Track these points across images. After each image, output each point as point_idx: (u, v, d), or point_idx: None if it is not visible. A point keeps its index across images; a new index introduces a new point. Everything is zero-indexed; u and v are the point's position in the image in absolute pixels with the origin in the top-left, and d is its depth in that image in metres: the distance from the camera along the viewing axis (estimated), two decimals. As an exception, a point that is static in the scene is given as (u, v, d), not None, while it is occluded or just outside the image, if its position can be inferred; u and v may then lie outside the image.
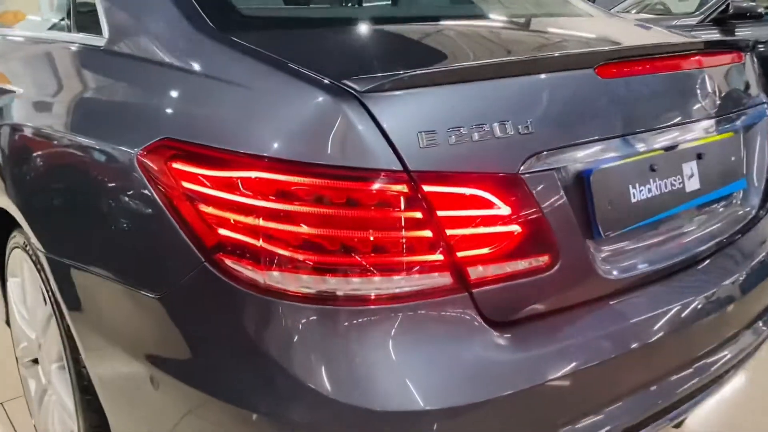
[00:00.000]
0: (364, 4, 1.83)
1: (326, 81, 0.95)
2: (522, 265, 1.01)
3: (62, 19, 1.57)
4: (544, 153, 1.02)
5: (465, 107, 0.98)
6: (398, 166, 0.93)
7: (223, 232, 0.96)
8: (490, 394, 0.95)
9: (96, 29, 1.36)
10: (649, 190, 1.19)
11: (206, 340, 0.99)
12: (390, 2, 1.87)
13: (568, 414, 1.03)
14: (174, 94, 1.11)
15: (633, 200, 1.16)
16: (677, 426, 1.50)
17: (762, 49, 5.23)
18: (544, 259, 1.02)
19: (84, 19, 1.48)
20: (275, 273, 0.93)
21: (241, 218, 0.94)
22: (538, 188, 1.01)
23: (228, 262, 0.95)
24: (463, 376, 0.95)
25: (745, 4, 5.14)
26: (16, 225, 1.49)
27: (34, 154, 1.32)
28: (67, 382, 1.44)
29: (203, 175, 0.98)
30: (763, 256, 1.39)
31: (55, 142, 1.27)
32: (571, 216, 1.05)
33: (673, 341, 1.16)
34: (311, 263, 0.92)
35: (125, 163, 1.08)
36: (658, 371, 1.15)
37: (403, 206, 0.93)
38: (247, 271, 0.94)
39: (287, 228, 0.92)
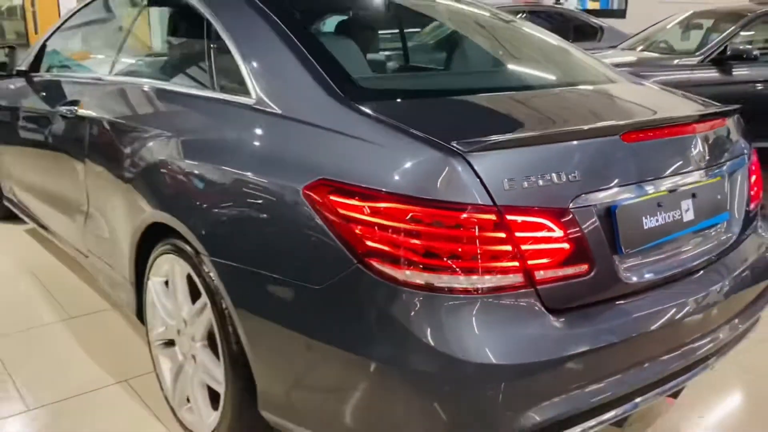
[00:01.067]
0: (450, 76, 2.29)
1: (441, 143, 1.42)
2: (570, 271, 1.47)
3: (188, 76, 2.08)
4: (585, 194, 1.49)
5: (534, 162, 1.45)
6: (490, 202, 1.39)
7: (369, 243, 1.42)
8: (543, 357, 1.41)
9: (243, 91, 1.84)
10: (657, 220, 1.66)
11: (354, 316, 1.45)
12: (466, 72, 2.33)
13: (596, 375, 1.49)
14: (323, 146, 1.58)
15: (645, 227, 1.63)
16: (674, 396, 1.96)
17: (760, 89, 5.73)
18: (584, 267, 1.49)
19: (225, 80, 1.96)
20: (407, 271, 1.40)
21: (382, 234, 1.41)
22: (581, 218, 1.48)
23: (374, 263, 1.42)
24: (528, 344, 1.41)
25: (741, 47, 5.62)
26: (168, 236, 1.97)
27: (205, 185, 1.79)
28: (212, 357, 1.90)
29: (353, 205, 1.45)
30: (741, 271, 1.86)
31: (222, 175, 1.74)
32: (603, 237, 1.52)
33: (672, 329, 1.62)
34: (432, 266, 1.39)
35: (290, 195, 1.55)
36: (660, 351, 1.61)
37: (492, 229, 1.40)
38: (387, 270, 1.41)
39: (414, 241, 1.39)
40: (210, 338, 1.91)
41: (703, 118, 1.79)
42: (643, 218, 1.63)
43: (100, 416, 2.20)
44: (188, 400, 2.08)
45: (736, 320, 1.82)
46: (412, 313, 1.39)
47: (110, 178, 2.30)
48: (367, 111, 1.60)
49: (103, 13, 3.08)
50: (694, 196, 1.76)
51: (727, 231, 1.90)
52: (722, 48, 5.66)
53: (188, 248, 1.86)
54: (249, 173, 1.68)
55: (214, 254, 1.74)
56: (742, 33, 5.86)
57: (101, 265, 2.56)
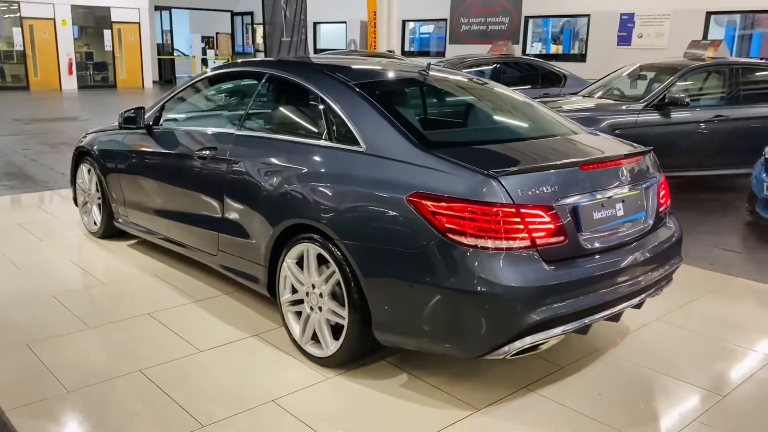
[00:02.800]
0: (471, 130, 3.60)
1: (483, 170, 2.68)
2: (554, 240, 2.73)
3: (308, 132, 3.35)
4: (562, 198, 2.77)
5: (534, 180, 2.73)
6: (511, 202, 2.65)
7: (447, 225, 2.67)
8: (541, 283, 2.65)
9: (352, 141, 3.10)
10: (601, 214, 2.93)
11: (438, 264, 2.68)
12: (481, 127, 3.65)
13: (567, 296, 2.73)
14: (414, 173, 2.83)
15: (595, 218, 2.90)
16: (615, 320, 3.23)
17: (692, 128, 7.12)
18: (561, 238, 2.75)
19: (339, 135, 3.21)
20: (468, 239, 2.64)
21: (453, 220, 2.65)
22: (560, 211, 2.75)
23: (449, 235, 2.65)
24: (534, 277, 2.66)
25: (677, 95, 7.03)
26: (299, 233, 3.19)
27: (336, 198, 3.02)
28: (336, 304, 3.10)
29: (437, 205, 2.70)
30: (656, 244, 3.13)
31: (347, 193, 2.97)
32: (571, 222, 2.79)
33: (612, 274, 2.89)
34: (480, 235, 2.63)
35: (397, 201, 2.79)
36: (605, 287, 2.86)
37: (513, 216, 2.65)
38: (456, 238, 2.64)
39: (471, 223, 2.63)
40: (332, 293, 3.13)
41: (628, 156, 3.08)
42: (594, 212, 2.90)
43: (249, 355, 3.37)
44: (312, 338, 3.27)
45: (653, 273, 3.10)
46: (471, 261, 2.63)
47: (248, 200, 3.51)
48: (437, 154, 2.86)
49: (220, 85, 4.33)
50: (623, 201, 3.05)
51: (645, 222, 3.19)
52: (662, 96, 7.07)
53: (319, 237, 3.08)
54: (367, 190, 2.92)
55: (344, 238, 2.96)
56: (677, 83, 7.28)
57: (232, 259, 3.75)
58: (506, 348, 2.68)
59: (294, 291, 3.36)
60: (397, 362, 3.30)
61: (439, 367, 3.25)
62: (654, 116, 7.09)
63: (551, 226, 2.72)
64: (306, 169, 3.23)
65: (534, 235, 2.69)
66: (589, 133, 3.60)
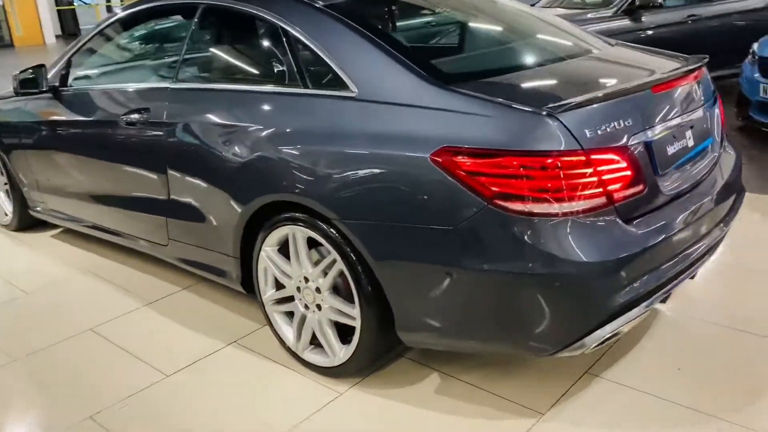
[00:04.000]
0: (493, 55, 2.77)
1: (537, 108, 1.95)
2: (632, 190, 2.05)
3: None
4: (635, 134, 2.07)
5: (601, 114, 2.01)
6: (579, 147, 1.94)
7: (495, 189, 1.94)
8: (626, 251, 1.98)
9: (338, 85, 2.30)
10: (675, 148, 2.26)
11: (488, 243, 1.97)
12: (504, 50, 2.83)
13: (657, 261, 2.08)
14: (435, 122, 2.07)
15: (669, 153, 2.22)
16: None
17: (666, 31, 6.53)
18: (640, 186, 2.07)
19: (319, 79, 2.40)
20: (527, 205, 1.93)
21: (505, 181, 1.93)
22: (635, 151, 2.06)
23: (500, 203, 1.94)
24: (617, 245, 1.98)
25: (647, -4, 6.40)
26: (286, 211, 2.41)
27: (330, 165, 2.23)
28: (341, 301, 2.38)
29: (477, 162, 1.96)
30: (724, 179, 2.50)
31: (345, 156, 2.20)
32: (648, 163, 2.10)
33: (694, 225, 2.24)
34: (544, 198, 1.92)
35: (418, 162, 2.04)
36: (689, 241, 2.23)
37: (583, 167, 1.94)
38: (512, 206, 1.93)
39: (529, 183, 1.92)
40: (333, 287, 2.40)
41: (693, 70, 2.40)
42: (667, 147, 2.22)
43: (232, 373, 2.63)
44: (311, 342, 2.55)
45: (727, 213, 2.48)
46: (532, 233, 1.93)
47: (201, 174, 2.69)
48: (462, 90, 2.10)
49: (137, 28, 3.39)
50: (692, 127, 2.38)
51: (713, 151, 2.54)
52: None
53: (306, 217, 2.32)
54: (369, 151, 2.15)
55: (346, 217, 2.20)
56: (645, -16, 6.63)
57: (189, 250, 2.94)
58: (584, 341, 2.03)
59: (279, 286, 2.61)
60: (419, 358, 2.63)
61: (471, 359, 2.59)
62: (625, 22, 6.48)
63: (628, 172, 2.04)
64: (278, 128, 2.42)
65: (609, 188, 2.00)
66: (616, 45, 2.90)
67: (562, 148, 1.93)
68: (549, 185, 1.93)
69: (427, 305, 2.17)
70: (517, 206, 1.94)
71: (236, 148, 2.53)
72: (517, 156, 1.93)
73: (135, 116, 2.98)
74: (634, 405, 2.32)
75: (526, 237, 1.94)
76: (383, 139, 2.15)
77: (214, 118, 2.66)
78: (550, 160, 1.93)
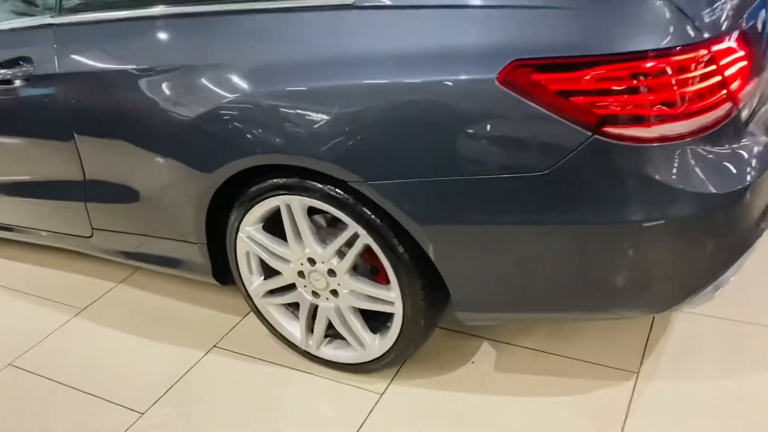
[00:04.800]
0: None
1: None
2: (748, 89, 1.55)
3: None
4: (746, 13, 1.55)
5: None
6: (701, 38, 1.39)
7: (599, 111, 1.38)
8: (759, 171, 1.51)
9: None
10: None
11: (595, 188, 1.43)
12: None
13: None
14: (493, 25, 1.45)
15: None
16: None
17: None
18: (753, 83, 1.58)
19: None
20: (646, 128, 1.39)
21: (612, 99, 1.37)
22: (751, 34, 1.55)
23: (610, 129, 1.39)
24: (752, 165, 1.50)
25: None
26: (270, 177, 1.75)
27: (342, 107, 1.56)
28: (370, 283, 1.80)
29: (569, 77, 1.38)
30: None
31: (366, 91, 1.53)
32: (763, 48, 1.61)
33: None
34: (668, 116, 1.39)
35: (479, 88, 1.43)
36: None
37: (707, 64, 1.40)
38: (629, 129, 1.39)
39: (646, 97, 1.37)
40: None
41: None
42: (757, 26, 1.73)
43: (225, 391, 2.02)
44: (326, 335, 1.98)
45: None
46: (661, 165, 1.41)
47: (139, 141, 1.93)
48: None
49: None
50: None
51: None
52: None
53: (301, 183, 1.69)
54: (403, 81, 1.51)
55: (374, 178, 1.59)
56: None
57: (126, 240, 2.21)
58: (716, 283, 1.58)
59: (271, 273, 1.98)
60: (454, 326, 2.12)
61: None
62: None
63: (745, 62, 1.53)
64: (254, 63, 1.70)
65: (732, 87, 1.49)
66: None
67: (683, 43, 1.38)
68: (672, 96, 1.39)
69: (503, 277, 1.63)
70: (633, 131, 1.40)
71: (184, 99, 1.80)
72: (627, 61, 1.36)
73: (10, 72, 2.12)
74: (736, 335, 1.95)
75: (648, 171, 1.41)
76: (418, 63, 1.50)
77: (138, 58, 1.88)
78: (668, 61, 1.38)
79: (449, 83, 1.46)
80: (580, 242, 1.51)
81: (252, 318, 2.25)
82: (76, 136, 2.06)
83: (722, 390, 1.79)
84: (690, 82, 1.39)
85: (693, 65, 1.39)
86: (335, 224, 1.87)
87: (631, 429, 1.71)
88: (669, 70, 1.37)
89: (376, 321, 1.90)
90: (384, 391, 1.93)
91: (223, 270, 2.10)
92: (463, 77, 1.45)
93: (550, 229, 1.51)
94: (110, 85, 1.92)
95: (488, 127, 1.47)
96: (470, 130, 1.48)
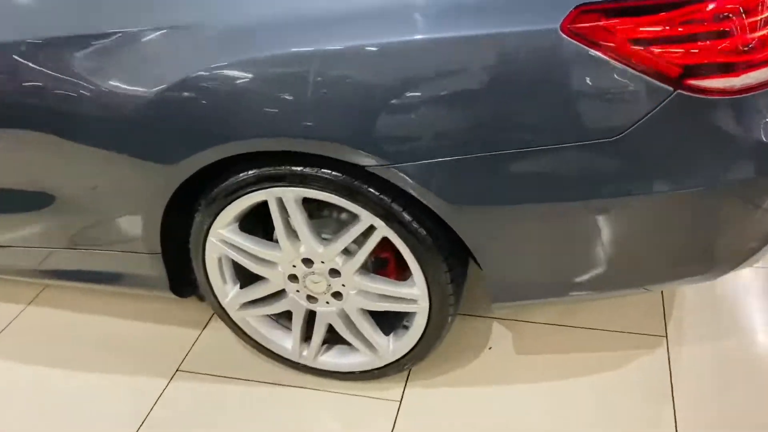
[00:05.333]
0: None
1: None
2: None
3: None
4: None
5: None
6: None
7: (683, 61, 1.17)
8: None
9: None
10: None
11: (678, 149, 1.23)
12: None
13: None
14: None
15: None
16: None
17: None
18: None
19: None
20: (727, 79, 1.20)
21: (699, 45, 1.16)
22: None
23: (695, 82, 1.18)
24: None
25: None
26: (249, 167, 1.40)
27: (386, 74, 1.23)
28: (386, 281, 1.52)
29: (642, 22, 1.15)
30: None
31: (409, 50, 1.21)
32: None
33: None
34: (756, 62, 1.20)
35: (541, 40, 1.17)
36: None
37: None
38: (712, 83, 1.19)
39: (737, 37, 1.17)
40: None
41: None
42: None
43: (204, 418, 1.67)
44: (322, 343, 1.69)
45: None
46: (751, 119, 1.23)
47: (59, 131, 1.45)
48: None
49: None
50: None
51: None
52: None
53: (310, 171, 1.37)
54: (444, 35, 1.20)
55: (404, 160, 1.28)
56: None
57: (33, 256, 1.77)
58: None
59: (249, 279, 1.65)
60: (464, 311, 1.89)
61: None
62: None
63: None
64: (227, 13, 1.31)
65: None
66: None
67: (766, -26, 1.19)
68: (761, 38, 1.20)
69: (557, 259, 1.41)
70: (719, 83, 1.19)
71: (130, 73, 1.37)
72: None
73: None
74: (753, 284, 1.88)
75: (733, 127, 1.23)
76: (461, 13, 1.20)
77: (58, 22, 1.41)
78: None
79: (501, 37, 1.18)
80: (655, 212, 1.31)
81: (214, 330, 1.91)
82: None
83: (755, 345, 1.72)
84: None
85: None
86: (322, 214, 1.56)
87: (682, 394, 1.60)
88: (761, 7, 1.17)
89: (381, 320, 1.64)
90: (402, 398, 1.68)
91: (180, 282, 1.72)
92: (518, 29, 1.17)
93: (619, 202, 1.29)
94: (15, 61, 1.44)
95: (549, 87, 1.20)
96: (526, 93, 1.21)
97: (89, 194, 1.56)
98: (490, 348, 1.78)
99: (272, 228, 1.52)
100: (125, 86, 1.36)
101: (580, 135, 1.23)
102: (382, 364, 1.66)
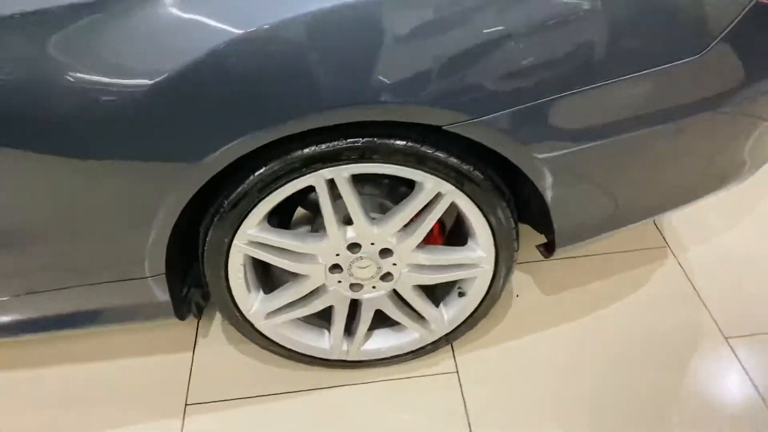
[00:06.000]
0: None
1: None
2: None
3: None
4: None
5: None
6: None
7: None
8: None
9: None
10: None
11: (755, 59, 1.23)
12: None
13: None
14: None
15: None
16: None
17: None
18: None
19: None
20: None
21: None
22: None
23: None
24: None
25: None
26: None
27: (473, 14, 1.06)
28: (444, 250, 1.39)
29: None
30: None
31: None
32: None
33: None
34: None
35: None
36: None
37: None
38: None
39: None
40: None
41: None
42: None
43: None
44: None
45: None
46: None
47: (38, 142, 1.10)
48: None
49: None
50: None
51: None
52: None
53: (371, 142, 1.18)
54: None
55: (489, 110, 1.14)
56: None
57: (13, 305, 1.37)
58: None
59: (272, 284, 1.43)
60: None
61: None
62: None
63: None
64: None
65: None
66: None
67: None
68: None
69: (626, 190, 1.37)
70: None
71: (136, 56, 1.05)
72: None
73: None
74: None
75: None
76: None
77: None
78: None
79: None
80: (725, 127, 1.32)
81: (205, 348, 1.64)
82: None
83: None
84: None
85: None
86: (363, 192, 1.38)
87: (703, 288, 1.69)
88: None
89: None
90: (456, 368, 1.57)
91: (178, 303, 1.44)
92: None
93: (694, 120, 1.28)
94: None
95: (625, 12, 1.13)
96: (618, 21, 1.13)
97: (82, 217, 1.22)
98: (517, 296, 1.73)
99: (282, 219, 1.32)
100: (129, 74, 1.05)
101: (666, 57, 1.18)
102: (435, 338, 1.54)
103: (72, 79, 1.03)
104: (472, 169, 1.25)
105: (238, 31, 1.01)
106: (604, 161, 1.28)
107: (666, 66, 1.17)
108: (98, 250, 1.28)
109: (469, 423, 1.46)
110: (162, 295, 1.38)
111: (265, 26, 1.02)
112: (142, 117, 1.07)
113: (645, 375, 1.52)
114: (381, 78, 1.07)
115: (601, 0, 1.10)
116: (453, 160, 1.22)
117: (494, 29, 1.08)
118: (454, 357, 1.59)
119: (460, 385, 1.53)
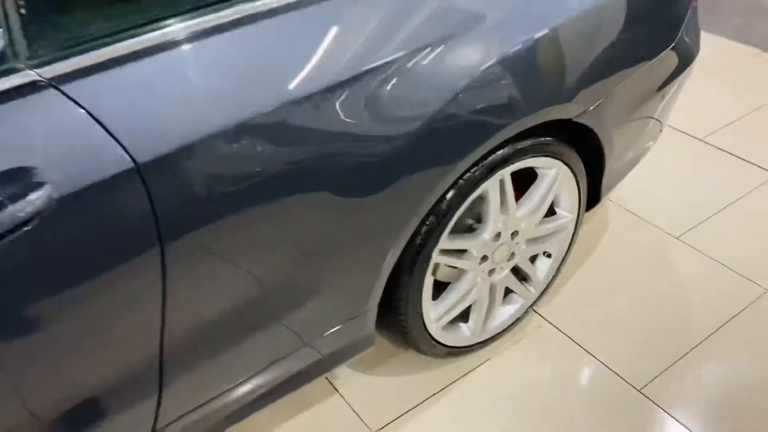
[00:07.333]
0: None
1: None
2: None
3: None
4: None
5: None
6: None
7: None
8: None
9: None
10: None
11: None
12: None
13: None
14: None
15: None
16: None
17: None
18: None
19: None
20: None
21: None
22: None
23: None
24: None
25: None
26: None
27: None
28: (548, 220, 1.78)
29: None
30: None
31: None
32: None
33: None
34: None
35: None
36: None
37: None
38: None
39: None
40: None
41: None
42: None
43: None
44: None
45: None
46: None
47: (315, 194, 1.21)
48: None
49: None
50: None
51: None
52: None
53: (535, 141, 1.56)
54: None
55: (600, 96, 1.58)
56: None
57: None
58: None
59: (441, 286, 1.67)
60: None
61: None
62: None
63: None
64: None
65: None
66: None
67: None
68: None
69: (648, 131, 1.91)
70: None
71: (409, 97, 1.25)
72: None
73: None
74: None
75: None
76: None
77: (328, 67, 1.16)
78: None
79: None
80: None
81: (348, 385, 1.76)
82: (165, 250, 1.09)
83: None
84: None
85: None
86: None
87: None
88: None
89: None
90: (551, 321, 1.96)
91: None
92: None
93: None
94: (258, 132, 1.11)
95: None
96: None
97: (330, 263, 1.31)
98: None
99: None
100: (401, 112, 1.25)
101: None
102: (534, 300, 1.89)
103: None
104: (574, 150, 1.68)
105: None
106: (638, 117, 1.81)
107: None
108: (340, 292, 1.38)
109: (586, 350, 1.86)
110: (370, 326, 1.51)
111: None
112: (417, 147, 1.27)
113: None
114: (571, 80, 1.46)
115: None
116: (566, 145, 1.64)
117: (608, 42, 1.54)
118: (542, 316, 1.96)
119: (571, 338, 1.91)
